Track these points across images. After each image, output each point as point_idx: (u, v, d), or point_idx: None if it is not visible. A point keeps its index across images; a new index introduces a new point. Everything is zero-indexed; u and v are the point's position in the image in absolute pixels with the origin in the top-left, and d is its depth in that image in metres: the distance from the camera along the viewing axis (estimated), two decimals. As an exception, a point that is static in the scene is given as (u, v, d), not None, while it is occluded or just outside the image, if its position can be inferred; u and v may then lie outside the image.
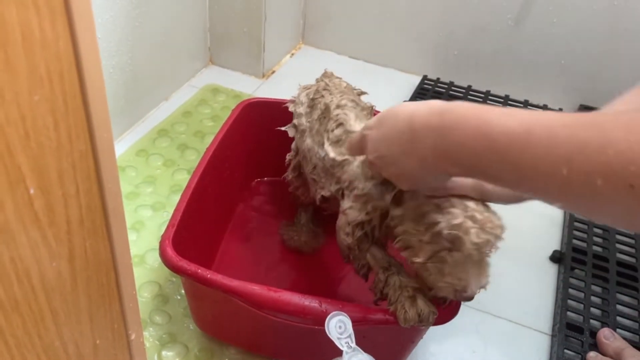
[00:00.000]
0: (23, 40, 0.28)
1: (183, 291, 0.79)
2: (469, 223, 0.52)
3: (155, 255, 0.85)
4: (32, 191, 0.32)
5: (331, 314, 0.56)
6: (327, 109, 0.72)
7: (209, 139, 1.08)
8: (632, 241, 0.94)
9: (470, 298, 0.57)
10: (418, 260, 0.56)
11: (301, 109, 0.78)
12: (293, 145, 0.82)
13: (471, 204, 0.53)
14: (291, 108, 0.82)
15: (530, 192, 0.41)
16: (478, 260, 0.55)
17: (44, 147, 0.32)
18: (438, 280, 0.56)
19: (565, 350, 0.75)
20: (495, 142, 0.40)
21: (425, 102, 0.49)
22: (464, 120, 0.43)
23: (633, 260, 0.90)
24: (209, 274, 0.62)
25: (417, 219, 0.56)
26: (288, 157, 0.83)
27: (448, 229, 0.53)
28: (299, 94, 0.81)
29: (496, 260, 0.76)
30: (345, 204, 0.65)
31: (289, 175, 0.83)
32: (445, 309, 0.62)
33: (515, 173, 0.40)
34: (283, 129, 0.82)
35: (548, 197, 0.40)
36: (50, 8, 0.29)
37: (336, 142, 0.68)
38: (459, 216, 0.52)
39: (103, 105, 0.35)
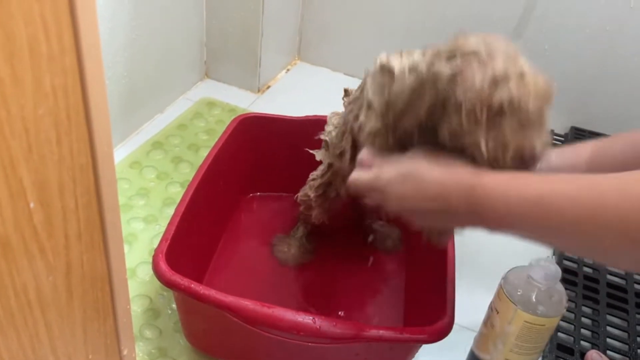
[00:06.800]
0: (30, 55, 0.28)
1: (174, 305, 0.79)
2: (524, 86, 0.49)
3: (147, 269, 0.85)
4: (32, 205, 0.32)
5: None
6: (358, 96, 0.69)
7: (203, 153, 1.08)
8: (622, 263, 0.94)
9: (537, 159, 0.52)
10: (482, 147, 0.50)
11: (335, 130, 0.77)
12: (322, 166, 0.79)
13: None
14: (324, 136, 0.79)
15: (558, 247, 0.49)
16: (535, 119, 0.50)
17: (45, 160, 0.32)
18: (503, 153, 0.51)
19: (556, 372, 0.76)
20: (522, 215, 0.47)
21: (451, 173, 0.51)
22: (492, 199, 0.48)
23: (623, 282, 0.91)
24: (202, 289, 0.61)
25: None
26: (313, 175, 0.80)
27: (513, 99, 0.48)
28: (329, 118, 0.79)
29: (488, 280, 0.77)
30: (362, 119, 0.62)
31: (311, 194, 0.80)
32: (437, 328, 0.62)
33: (540, 235, 0.48)
34: (311, 151, 0.81)
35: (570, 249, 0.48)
36: (58, 23, 0.29)
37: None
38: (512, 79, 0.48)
39: (105, 120, 0.35)
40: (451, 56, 0.50)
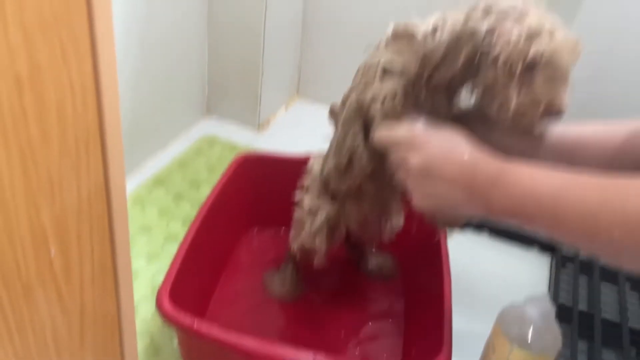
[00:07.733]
0: (58, 116, 0.30)
1: (176, 341, 0.80)
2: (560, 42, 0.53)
3: (148, 306, 0.86)
4: (53, 252, 0.34)
5: None
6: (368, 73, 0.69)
7: (204, 189, 1.10)
8: (617, 299, 0.96)
9: (562, 115, 0.56)
10: (512, 102, 0.54)
11: (317, 167, 0.78)
12: (322, 211, 0.77)
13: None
14: (307, 181, 0.80)
15: (564, 240, 0.48)
16: (565, 74, 0.55)
17: (66, 210, 0.34)
18: (532, 107, 0.54)
19: (553, 409, 0.76)
20: (537, 206, 0.47)
21: (478, 159, 0.52)
22: (512, 188, 0.49)
23: (618, 318, 0.92)
24: (204, 328, 0.63)
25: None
26: (315, 226, 0.77)
27: (547, 53, 0.52)
28: (310, 164, 0.81)
29: (485, 317, 0.78)
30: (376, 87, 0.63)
31: (316, 243, 0.77)
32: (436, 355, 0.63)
33: (552, 227, 0.47)
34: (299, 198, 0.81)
35: (578, 245, 0.48)
36: (83, 88, 0.31)
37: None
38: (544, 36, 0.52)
39: (120, 172, 0.38)
40: (486, 14, 0.53)
